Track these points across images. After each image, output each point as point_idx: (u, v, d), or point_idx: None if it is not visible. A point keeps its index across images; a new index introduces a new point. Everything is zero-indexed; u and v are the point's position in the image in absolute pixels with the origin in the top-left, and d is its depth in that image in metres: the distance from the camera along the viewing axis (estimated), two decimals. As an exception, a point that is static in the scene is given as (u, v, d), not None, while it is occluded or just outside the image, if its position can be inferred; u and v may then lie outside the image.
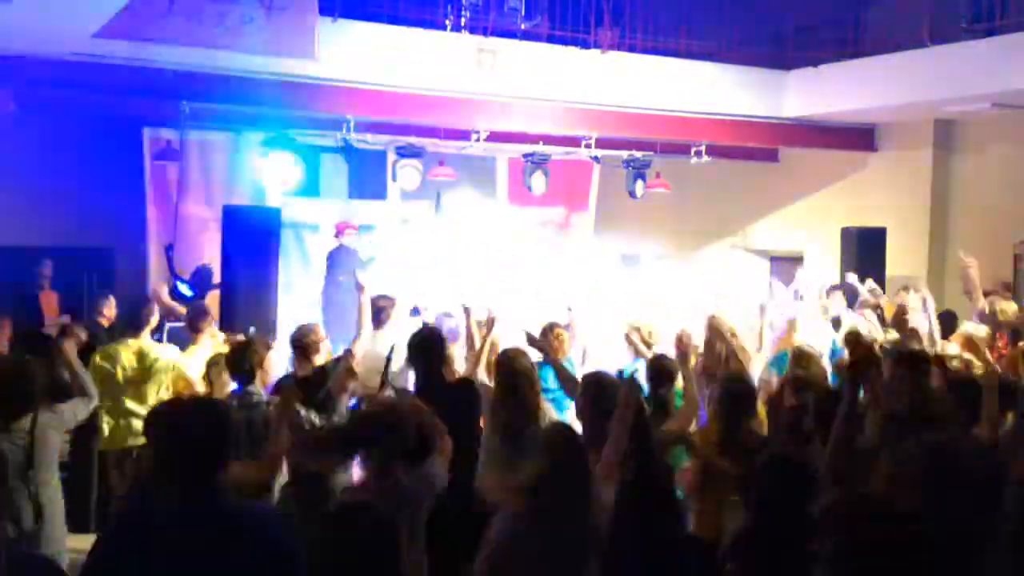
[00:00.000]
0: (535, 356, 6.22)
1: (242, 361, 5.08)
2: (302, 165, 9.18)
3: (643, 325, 6.81)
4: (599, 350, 7.62)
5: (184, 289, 9.49)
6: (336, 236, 9.84)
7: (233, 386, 5.43)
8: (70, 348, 4.90)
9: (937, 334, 7.06)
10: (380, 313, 7.26)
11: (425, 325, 5.39)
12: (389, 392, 6.16)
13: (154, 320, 6.58)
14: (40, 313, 9.14)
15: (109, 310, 7.46)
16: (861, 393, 3.81)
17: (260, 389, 5.12)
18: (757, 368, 6.13)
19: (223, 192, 10.00)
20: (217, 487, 2.84)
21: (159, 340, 7.11)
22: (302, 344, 5.80)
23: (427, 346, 5.19)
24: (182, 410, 3.07)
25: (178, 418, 2.99)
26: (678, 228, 12.33)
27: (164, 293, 8.17)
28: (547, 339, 6.15)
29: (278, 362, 5.95)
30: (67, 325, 5.99)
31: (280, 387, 5.50)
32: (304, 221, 10.44)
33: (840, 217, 11.00)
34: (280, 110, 8.94)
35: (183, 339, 7.37)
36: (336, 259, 9.69)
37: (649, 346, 6.61)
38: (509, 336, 6.51)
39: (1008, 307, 7.21)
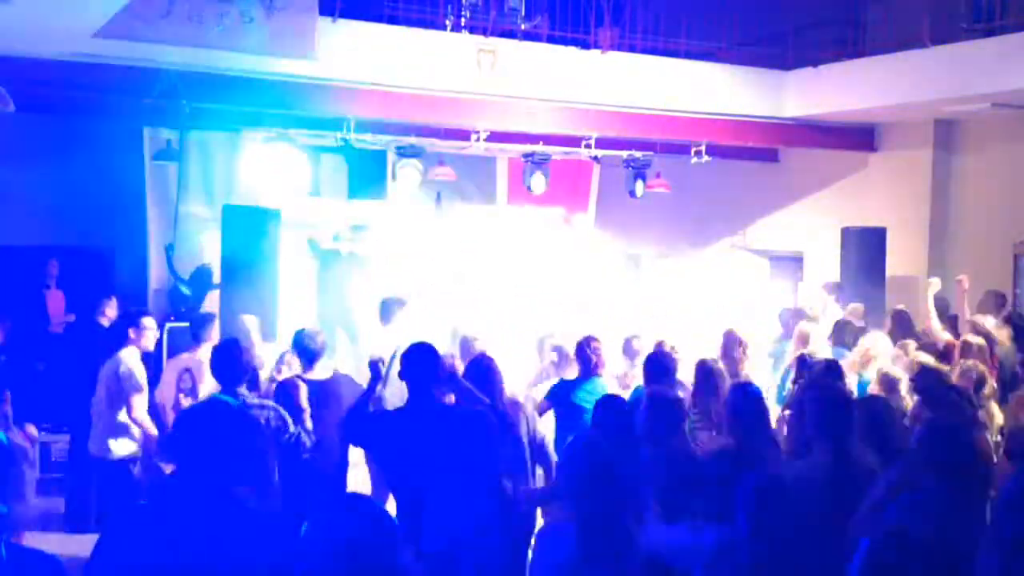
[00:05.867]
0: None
1: (233, 362, 5.07)
2: (302, 164, 9.21)
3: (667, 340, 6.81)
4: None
5: (184, 289, 9.50)
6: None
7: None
8: None
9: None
10: (388, 312, 7.29)
11: (423, 343, 4.96)
12: (384, 391, 6.19)
13: (146, 337, 6.53)
14: (46, 312, 9.16)
15: (111, 310, 7.49)
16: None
17: (246, 390, 5.13)
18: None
19: (223, 192, 10.00)
20: (225, 487, 2.85)
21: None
22: (309, 348, 5.82)
23: (418, 363, 4.79)
24: (198, 411, 3.07)
25: (193, 418, 2.99)
26: (678, 228, 12.32)
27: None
28: (586, 353, 6.14)
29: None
30: None
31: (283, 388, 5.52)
32: (304, 221, 10.43)
33: (840, 217, 11.00)
34: (280, 110, 8.94)
35: (183, 341, 7.39)
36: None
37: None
38: (507, 335, 6.52)
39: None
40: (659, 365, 5.71)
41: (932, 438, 3.57)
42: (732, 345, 6.53)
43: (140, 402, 6.23)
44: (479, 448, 4.17)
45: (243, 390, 5.07)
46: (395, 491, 4.69)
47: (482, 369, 5.37)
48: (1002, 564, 2.73)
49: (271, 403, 5.14)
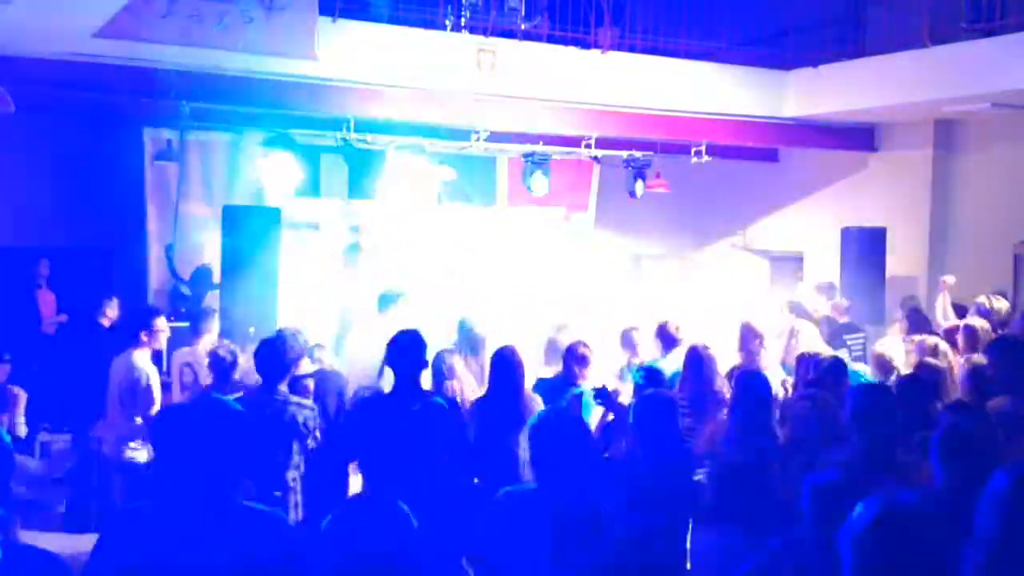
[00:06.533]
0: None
1: (275, 359, 5.12)
2: (302, 164, 9.22)
3: (670, 320, 6.79)
4: (596, 354, 7.61)
5: (184, 289, 9.50)
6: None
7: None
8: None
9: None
10: (385, 304, 7.31)
11: (412, 330, 5.05)
12: (383, 381, 6.21)
13: (159, 339, 6.50)
14: (37, 312, 9.15)
15: (112, 311, 7.48)
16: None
17: (287, 388, 5.18)
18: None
19: (223, 192, 10.01)
20: (225, 487, 2.85)
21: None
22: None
23: (405, 350, 4.94)
24: (194, 409, 3.06)
25: (191, 416, 2.99)
26: (678, 228, 12.33)
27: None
28: (570, 361, 6.04)
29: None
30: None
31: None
32: (304, 221, 10.44)
33: (840, 217, 11.00)
34: (280, 110, 8.94)
35: (183, 340, 7.39)
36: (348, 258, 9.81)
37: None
38: (506, 337, 6.49)
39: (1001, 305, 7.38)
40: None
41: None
42: (750, 337, 6.47)
43: (156, 409, 6.20)
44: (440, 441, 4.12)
45: (284, 387, 5.13)
46: (365, 474, 4.70)
47: (505, 360, 5.44)
48: (987, 562, 2.73)
49: (309, 402, 5.18)
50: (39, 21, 6.72)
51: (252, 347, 6.37)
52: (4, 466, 2.90)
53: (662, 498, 3.97)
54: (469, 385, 5.95)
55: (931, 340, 6.21)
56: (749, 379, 4.89)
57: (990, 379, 4.95)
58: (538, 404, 5.55)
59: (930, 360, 5.69)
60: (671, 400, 4.41)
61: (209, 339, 6.76)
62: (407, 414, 3.97)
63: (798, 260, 12.21)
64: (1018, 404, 4.54)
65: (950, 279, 8.45)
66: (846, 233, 10.57)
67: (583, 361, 5.98)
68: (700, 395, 5.65)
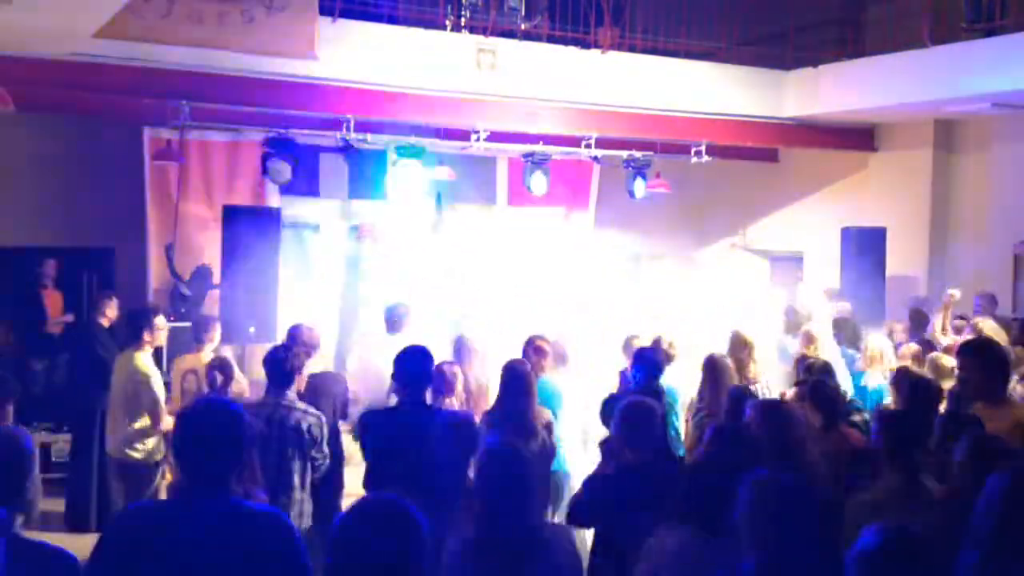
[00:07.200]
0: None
1: (281, 367, 5.14)
2: (301, 164, 9.23)
3: (664, 334, 6.80)
4: (595, 354, 7.60)
5: (184, 289, 9.50)
6: (357, 238, 9.98)
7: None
8: None
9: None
10: (396, 319, 7.27)
11: (419, 345, 5.07)
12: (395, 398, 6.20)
13: (159, 337, 6.49)
14: (43, 312, 9.16)
15: (111, 310, 7.46)
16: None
17: (295, 395, 5.19)
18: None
19: (223, 192, 10.01)
20: (227, 486, 2.85)
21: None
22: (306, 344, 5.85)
23: (410, 365, 4.92)
24: (196, 410, 3.06)
25: (191, 417, 2.99)
26: (678, 228, 12.33)
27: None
28: (528, 352, 6.04)
29: None
30: None
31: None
32: (304, 221, 10.45)
33: (840, 217, 11.00)
34: (280, 110, 8.95)
35: (183, 340, 7.39)
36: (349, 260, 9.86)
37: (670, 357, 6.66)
38: (507, 337, 6.48)
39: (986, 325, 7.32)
40: (648, 361, 5.71)
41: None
42: (738, 347, 6.49)
43: (161, 411, 6.19)
44: (450, 454, 4.11)
45: (292, 394, 5.16)
46: (372, 486, 4.69)
47: (516, 374, 5.42)
48: (980, 564, 2.74)
49: (314, 410, 5.21)
50: (39, 21, 6.72)
51: (252, 347, 6.41)
52: (23, 468, 2.92)
53: (649, 501, 3.95)
54: (468, 399, 5.94)
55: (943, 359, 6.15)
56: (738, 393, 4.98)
57: (963, 384, 4.90)
58: (548, 417, 5.56)
59: (913, 368, 5.70)
60: (652, 407, 4.38)
61: (212, 347, 6.75)
62: (425, 426, 4.00)
63: (798, 260, 12.22)
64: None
65: (956, 293, 8.24)
66: (846, 233, 10.58)
67: (540, 352, 6.05)
68: (718, 403, 5.64)
